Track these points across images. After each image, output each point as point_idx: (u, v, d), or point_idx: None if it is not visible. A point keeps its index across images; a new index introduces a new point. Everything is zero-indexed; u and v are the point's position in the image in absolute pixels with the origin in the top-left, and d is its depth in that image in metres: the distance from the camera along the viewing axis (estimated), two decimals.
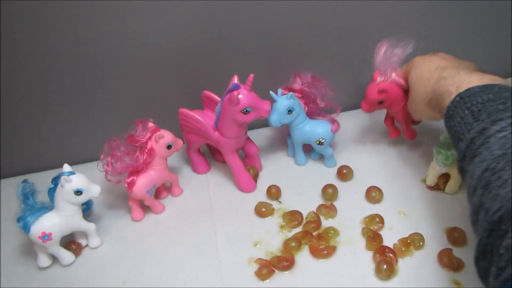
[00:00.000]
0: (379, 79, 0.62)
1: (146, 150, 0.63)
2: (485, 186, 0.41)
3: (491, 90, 0.47)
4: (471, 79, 0.50)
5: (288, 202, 0.66)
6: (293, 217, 0.63)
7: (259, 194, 0.68)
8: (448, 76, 0.53)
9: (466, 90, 0.48)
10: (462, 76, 0.51)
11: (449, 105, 0.50)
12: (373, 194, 0.64)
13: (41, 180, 0.62)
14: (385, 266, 0.54)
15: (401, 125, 0.69)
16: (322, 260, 0.57)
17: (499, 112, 0.44)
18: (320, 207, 0.64)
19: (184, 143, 0.69)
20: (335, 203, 0.65)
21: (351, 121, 0.79)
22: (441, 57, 0.59)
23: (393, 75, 0.62)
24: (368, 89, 0.64)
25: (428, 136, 0.74)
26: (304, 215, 0.63)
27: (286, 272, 0.56)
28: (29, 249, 0.62)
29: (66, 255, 0.60)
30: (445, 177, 0.64)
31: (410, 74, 0.60)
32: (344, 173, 0.68)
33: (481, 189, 0.41)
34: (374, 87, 0.62)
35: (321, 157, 0.73)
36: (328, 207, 0.63)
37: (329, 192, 0.65)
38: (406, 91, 0.63)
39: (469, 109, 0.46)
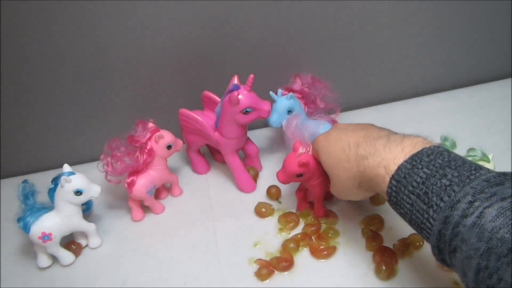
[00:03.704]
0: (300, 150, 0.56)
1: (146, 151, 0.63)
2: None
3: (420, 162, 0.42)
4: (394, 154, 0.44)
5: (288, 202, 0.66)
6: (289, 218, 0.63)
7: (259, 194, 0.68)
8: (367, 155, 0.47)
9: (397, 170, 0.43)
10: (382, 153, 0.45)
11: (388, 191, 0.44)
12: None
13: (41, 180, 0.62)
14: (384, 267, 0.54)
15: (314, 200, 0.62)
16: (322, 260, 0.58)
17: (447, 190, 0.39)
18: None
19: (184, 143, 0.69)
20: (335, 204, 0.65)
21: (351, 121, 0.78)
22: (343, 130, 0.53)
23: (310, 149, 0.57)
24: (287, 160, 0.57)
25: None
26: (304, 220, 0.63)
27: (286, 273, 0.56)
28: (29, 249, 0.62)
29: (66, 255, 0.60)
30: None
31: (322, 159, 0.53)
32: None
33: None
34: (295, 158, 0.56)
35: None
36: (328, 214, 0.63)
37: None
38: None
39: (413, 193, 0.42)
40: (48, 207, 0.59)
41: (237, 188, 0.70)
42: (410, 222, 0.44)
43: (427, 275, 0.54)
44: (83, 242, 0.63)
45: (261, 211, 0.64)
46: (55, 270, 0.61)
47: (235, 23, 0.70)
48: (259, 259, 0.58)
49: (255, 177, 0.70)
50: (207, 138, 0.68)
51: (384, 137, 0.47)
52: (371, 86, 0.84)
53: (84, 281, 0.59)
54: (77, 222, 0.60)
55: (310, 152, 0.57)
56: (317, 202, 0.62)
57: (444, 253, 0.40)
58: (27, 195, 0.58)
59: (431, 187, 0.40)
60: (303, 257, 0.58)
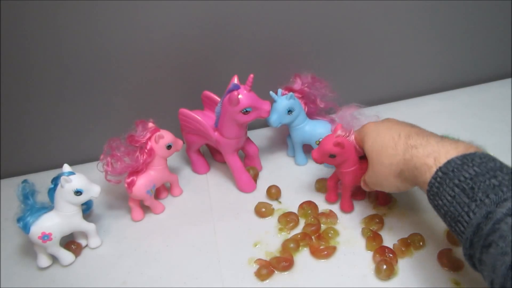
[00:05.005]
0: (339, 132, 0.58)
1: (146, 151, 0.63)
2: None
3: (472, 161, 0.43)
4: (447, 149, 0.46)
5: (288, 202, 0.66)
6: (289, 218, 0.63)
7: (259, 194, 0.68)
8: (418, 145, 0.48)
9: (446, 163, 0.45)
10: (434, 146, 0.47)
11: (432, 181, 0.45)
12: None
13: (41, 180, 0.62)
14: (385, 266, 0.54)
15: (342, 191, 0.63)
16: (322, 260, 0.58)
17: (495, 189, 0.41)
18: (320, 215, 0.63)
19: (184, 143, 0.69)
20: (335, 204, 0.65)
21: None
22: (396, 123, 0.55)
23: (352, 137, 0.59)
24: (324, 138, 0.59)
25: None
26: (304, 220, 0.63)
27: (286, 273, 0.56)
28: (29, 249, 0.62)
29: (66, 255, 0.60)
30: None
31: (367, 143, 0.54)
32: None
33: None
34: (332, 138, 0.58)
35: None
36: (328, 214, 0.63)
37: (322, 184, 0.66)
38: (360, 157, 0.60)
39: (458, 186, 0.43)
40: (48, 207, 0.59)
41: (237, 188, 0.70)
42: (446, 214, 0.44)
43: (427, 275, 0.54)
44: (83, 242, 0.63)
45: (261, 211, 0.64)
46: (55, 270, 0.61)
47: (235, 23, 0.70)
48: (259, 259, 0.58)
49: (255, 177, 0.70)
50: (207, 138, 0.68)
51: (437, 135, 0.50)
52: (371, 86, 0.84)
53: (84, 281, 0.59)
54: (77, 222, 0.60)
55: (351, 139, 0.58)
56: (345, 193, 0.62)
57: (475, 248, 0.41)
58: (27, 195, 0.58)
59: (479, 184, 0.42)
60: (303, 257, 0.58)
